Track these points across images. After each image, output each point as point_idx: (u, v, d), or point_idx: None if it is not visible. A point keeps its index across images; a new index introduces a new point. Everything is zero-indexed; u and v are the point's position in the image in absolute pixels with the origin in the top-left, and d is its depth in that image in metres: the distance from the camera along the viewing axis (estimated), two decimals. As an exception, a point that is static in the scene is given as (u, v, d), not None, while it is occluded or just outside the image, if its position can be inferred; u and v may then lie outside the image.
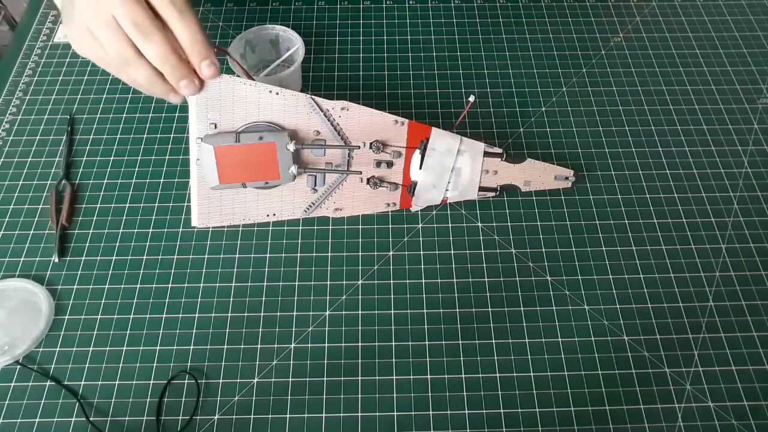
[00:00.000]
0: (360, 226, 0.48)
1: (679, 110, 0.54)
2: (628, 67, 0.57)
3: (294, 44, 0.52)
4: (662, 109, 0.54)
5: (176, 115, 0.54)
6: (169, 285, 0.45)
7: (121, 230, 0.47)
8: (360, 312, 0.44)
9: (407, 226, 0.48)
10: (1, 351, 0.41)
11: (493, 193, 0.47)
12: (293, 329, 0.43)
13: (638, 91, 0.55)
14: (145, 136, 0.52)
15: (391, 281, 0.45)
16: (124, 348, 0.42)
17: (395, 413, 0.40)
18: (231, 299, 0.44)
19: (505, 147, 0.50)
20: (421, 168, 0.46)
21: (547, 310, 0.44)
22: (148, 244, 0.46)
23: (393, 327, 0.43)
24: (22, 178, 0.50)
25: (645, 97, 0.55)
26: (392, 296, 0.44)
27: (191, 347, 0.42)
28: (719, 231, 0.47)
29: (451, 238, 0.47)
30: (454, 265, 0.46)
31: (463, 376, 0.41)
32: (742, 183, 0.50)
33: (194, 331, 0.43)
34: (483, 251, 0.46)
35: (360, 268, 0.46)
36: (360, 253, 0.46)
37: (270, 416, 0.40)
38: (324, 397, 0.40)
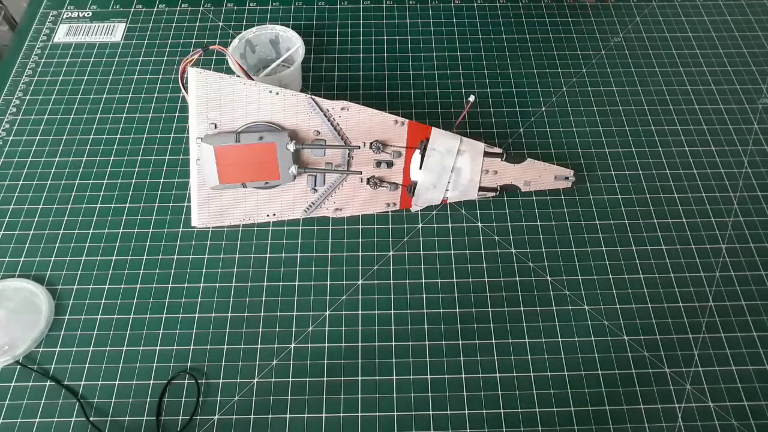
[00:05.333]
0: (360, 226, 0.48)
1: (679, 110, 0.54)
2: (628, 67, 0.57)
3: (294, 44, 0.52)
4: (662, 109, 0.54)
5: (176, 115, 0.54)
6: (169, 285, 0.45)
7: (121, 230, 0.47)
8: (360, 312, 0.44)
9: (407, 226, 0.48)
10: (1, 351, 0.41)
11: (493, 193, 0.47)
12: (293, 329, 0.43)
13: (638, 91, 0.55)
14: (145, 136, 0.52)
15: (391, 281, 0.45)
16: (124, 348, 0.42)
17: (395, 413, 0.40)
18: (231, 299, 0.44)
19: (505, 147, 0.50)
20: (421, 168, 0.46)
21: (547, 310, 0.44)
22: (148, 244, 0.46)
23: (393, 327, 0.43)
24: (22, 178, 0.50)
25: (645, 97, 0.55)
26: (392, 296, 0.44)
27: (191, 347, 0.42)
28: (719, 231, 0.47)
29: (451, 238, 0.47)
30: (454, 265, 0.46)
31: (463, 376, 0.41)
32: (742, 183, 0.50)
33: (194, 331, 0.43)
34: (483, 251, 0.46)
35: (360, 268, 0.46)
36: (360, 253, 0.46)
37: (270, 416, 0.40)
38: (324, 397, 0.40)
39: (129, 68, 0.57)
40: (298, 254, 0.46)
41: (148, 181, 0.50)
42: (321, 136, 0.45)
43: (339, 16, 0.61)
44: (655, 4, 0.62)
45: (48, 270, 0.45)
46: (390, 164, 0.46)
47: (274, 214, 0.47)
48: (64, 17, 0.61)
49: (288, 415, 0.40)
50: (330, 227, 0.48)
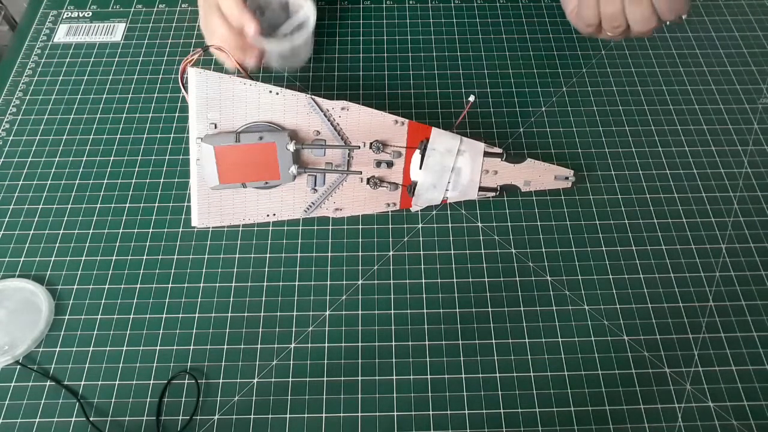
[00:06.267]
0: (360, 226, 0.48)
1: (679, 110, 0.54)
2: (628, 67, 0.57)
3: (304, 10, 0.52)
4: (662, 109, 0.54)
5: (176, 115, 0.54)
6: (169, 285, 0.45)
7: (121, 230, 0.47)
8: (360, 312, 0.44)
9: (407, 226, 0.48)
10: (1, 351, 0.41)
11: (493, 193, 0.47)
12: (293, 329, 0.43)
13: (638, 91, 0.55)
14: (145, 136, 0.52)
15: (391, 281, 0.45)
16: (124, 348, 0.42)
17: (395, 413, 0.40)
18: (231, 299, 0.44)
19: (505, 147, 0.50)
20: (421, 168, 0.46)
21: (547, 310, 0.44)
22: (148, 244, 0.46)
23: (393, 327, 0.43)
24: (22, 178, 0.50)
25: (645, 97, 0.55)
26: (392, 296, 0.44)
27: (191, 347, 0.42)
28: (719, 231, 0.47)
29: (451, 238, 0.47)
30: (454, 265, 0.46)
31: (463, 376, 0.41)
32: (742, 183, 0.50)
33: (194, 331, 0.43)
34: (483, 251, 0.46)
35: (360, 268, 0.46)
36: (360, 253, 0.46)
37: (270, 416, 0.40)
38: (324, 397, 0.40)
39: (129, 68, 0.57)
40: (298, 254, 0.46)
41: (148, 181, 0.50)
42: (321, 136, 0.45)
43: (339, 16, 0.61)
44: (655, 4, 0.62)
45: (48, 270, 0.45)
46: (390, 164, 0.46)
47: (274, 214, 0.47)
48: (64, 17, 0.61)
49: (288, 415, 0.40)
50: (330, 227, 0.48)
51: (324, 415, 0.40)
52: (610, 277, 0.45)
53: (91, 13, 0.62)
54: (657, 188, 0.50)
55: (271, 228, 0.48)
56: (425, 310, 0.44)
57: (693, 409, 0.40)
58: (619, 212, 0.48)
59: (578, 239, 0.47)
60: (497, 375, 0.41)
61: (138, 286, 0.45)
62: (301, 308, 0.44)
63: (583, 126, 0.53)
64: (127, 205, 0.48)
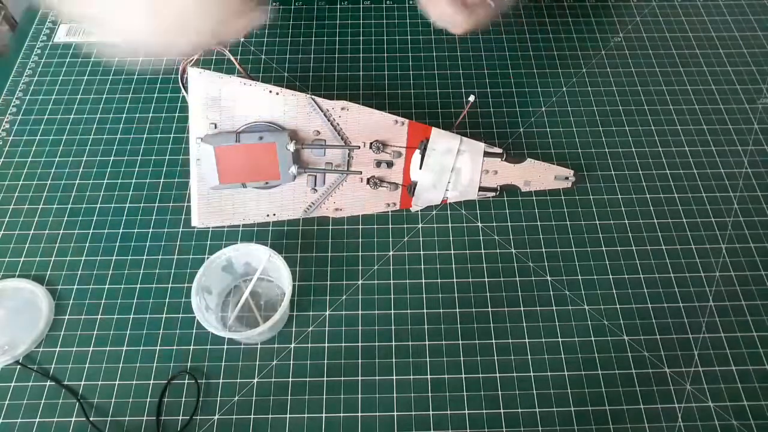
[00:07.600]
0: (360, 226, 0.48)
1: (679, 110, 0.54)
2: (628, 67, 0.57)
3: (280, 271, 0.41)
4: (662, 109, 0.54)
5: (176, 115, 0.54)
6: (169, 285, 0.45)
7: (121, 230, 0.47)
8: (360, 312, 0.44)
9: (407, 226, 0.48)
10: (1, 351, 0.41)
11: (493, 193, 0.47)
12: (293, 329, 0.43)
13: (638, 91, 0.55)
14: (145, 136, 0.52)
15: (391, 281, 0.45)
16: (124, 348, 0.42)
17: (395, 413, 0.40)
18: (231, 299, 0.44)
19: (505, 147, 0.50)
20: (421, 168, 0.46)
21: (547, 310, 0.44)
22: (148, 244, 0.46)
23: (393, 327, 0.43)
24: (22, 178, 0.50)
25: (645, 97, 0.55)
26: (392, 296, 0.44)
27: (191, 347, 0.42)
28: (719, 231, 0.47)
29: (451, 238, 0.47)
30: (454, 265, 0.46)
31: (463, 376, 0.41)
32: (742, 183, 0.50)
33: (194, 331, 0.43)
34: (483, 251, 0.46)
35: (360, 268, 0.46)
36: (360, 253, 0.46)
37: (270, 416, 0.40)
38: (324, 397, 0.40)
39: (129, 68, 0.57)
40: (298, 254, 0.46)
41: (148, 181, 0.50)
42: (321, 136, 0.45)
43: (339, 16, 0.61)
44: (655, 4, 0.62)
45: (48, 270, 0.45)
46: (390, 164, 0.46)
47: (274, 214, 0.47)
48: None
49: (288, 415, 0.40)
50: (330, 227, 0.48)
51: (324, 415, 0.40)
52: (610, 277, 0.45)
53: (91, 13, 0.62)
54: (657, 188, 0.50)
55: (271, 228, 0.48)
56: (425, 310, 0.44)
57: (693, 409, 0.40)
58: (619, 212, 0.48)
59: (578, 239, 0.47)
60: (497, 375, 0.41)
61: (138, 286, 0.45)
62: (301, 308, 0.44)
63: (583, 126, 0.53)
64: (127, 205, 0.48)
